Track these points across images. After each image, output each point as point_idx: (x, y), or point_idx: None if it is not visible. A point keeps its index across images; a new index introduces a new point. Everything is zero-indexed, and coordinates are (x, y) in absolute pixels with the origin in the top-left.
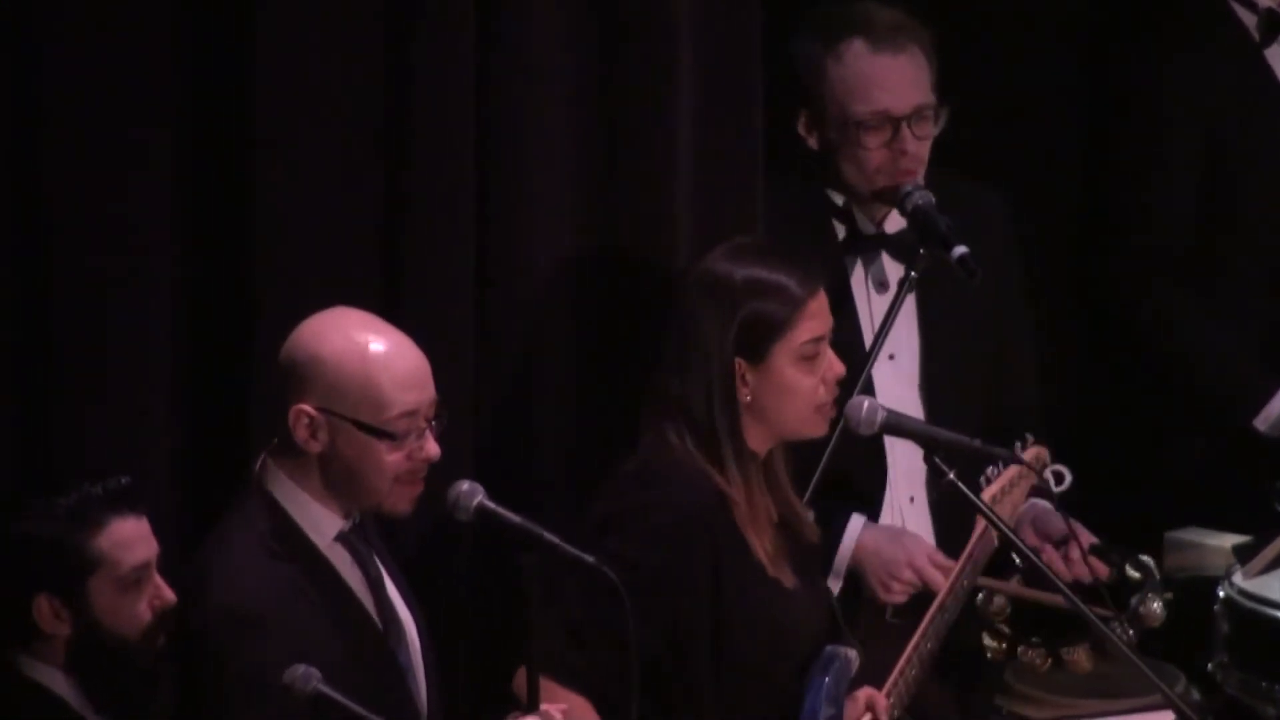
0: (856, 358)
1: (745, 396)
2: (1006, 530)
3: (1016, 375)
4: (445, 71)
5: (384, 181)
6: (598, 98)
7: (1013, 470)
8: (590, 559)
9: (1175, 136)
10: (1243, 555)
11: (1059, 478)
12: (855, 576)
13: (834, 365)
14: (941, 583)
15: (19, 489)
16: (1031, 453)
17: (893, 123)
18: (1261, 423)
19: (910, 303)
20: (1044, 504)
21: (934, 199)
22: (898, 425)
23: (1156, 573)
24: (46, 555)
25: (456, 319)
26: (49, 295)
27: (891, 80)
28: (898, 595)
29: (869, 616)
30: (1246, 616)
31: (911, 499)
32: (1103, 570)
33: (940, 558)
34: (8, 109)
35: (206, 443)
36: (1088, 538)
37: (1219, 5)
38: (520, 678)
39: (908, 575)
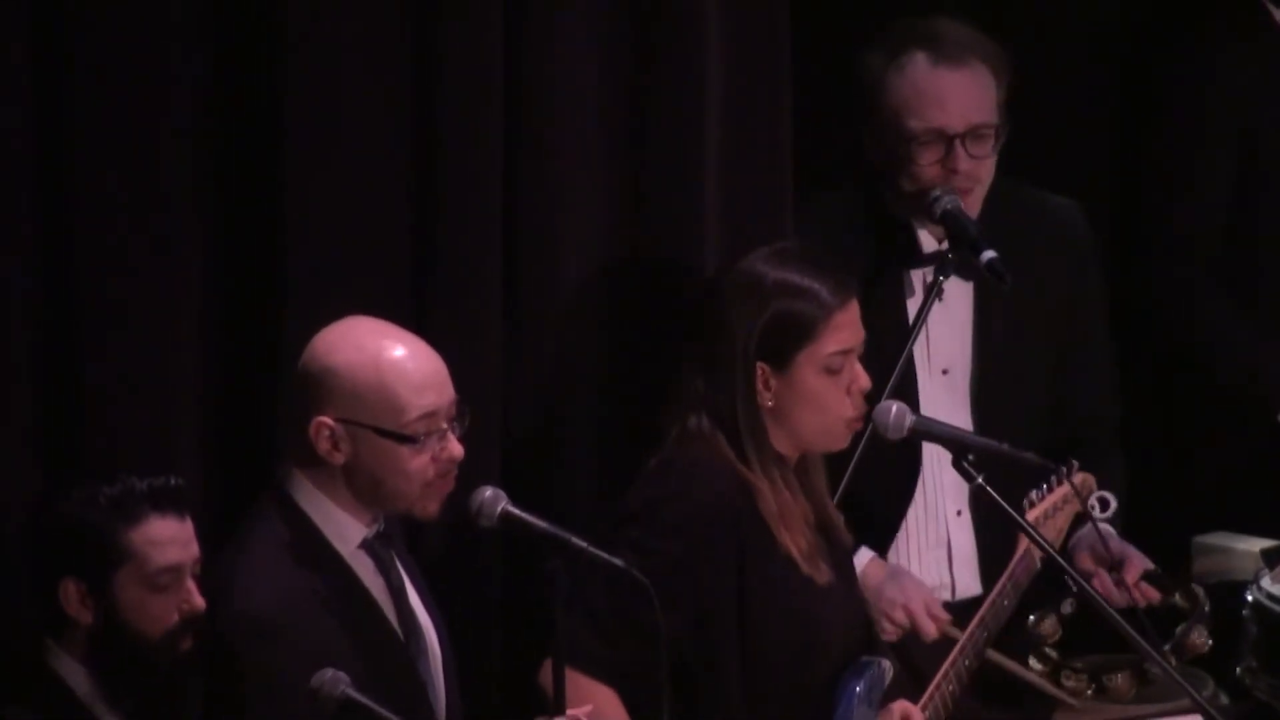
0: (910, 371)
1: (768, 401)
2: (1037, 537)
3: (1088, 387)
4: (473, 74)
5: (413, 187)
6: (625, 100)
7: (1058, 494)
8: (619, 562)
9: (1211, 138)
10: (1271, 559)
11: (1104, 504)
12: None
13: (860, 379)
14: (933, 633)
15: (45, 491)
16: (1076, 479)
17: (946, 140)
18: None
19: (965, 316)
20: (1105, 528)
21: (962, 203)
22: (927, 430)
23: (1206, 604)
24: (78, 539)
25: (485, 323)
26: (75, 300)
27: (948, 96)
28: (889, 635)
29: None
30: (1275, 621)
31: (959, 512)
32: (1154, 595)
33: (938, 609)
34: (36, 110)
35: (233, 447)
36: (1144, 563)
37: (1256, 9)
38: (546, 671)
39: (899, 617)
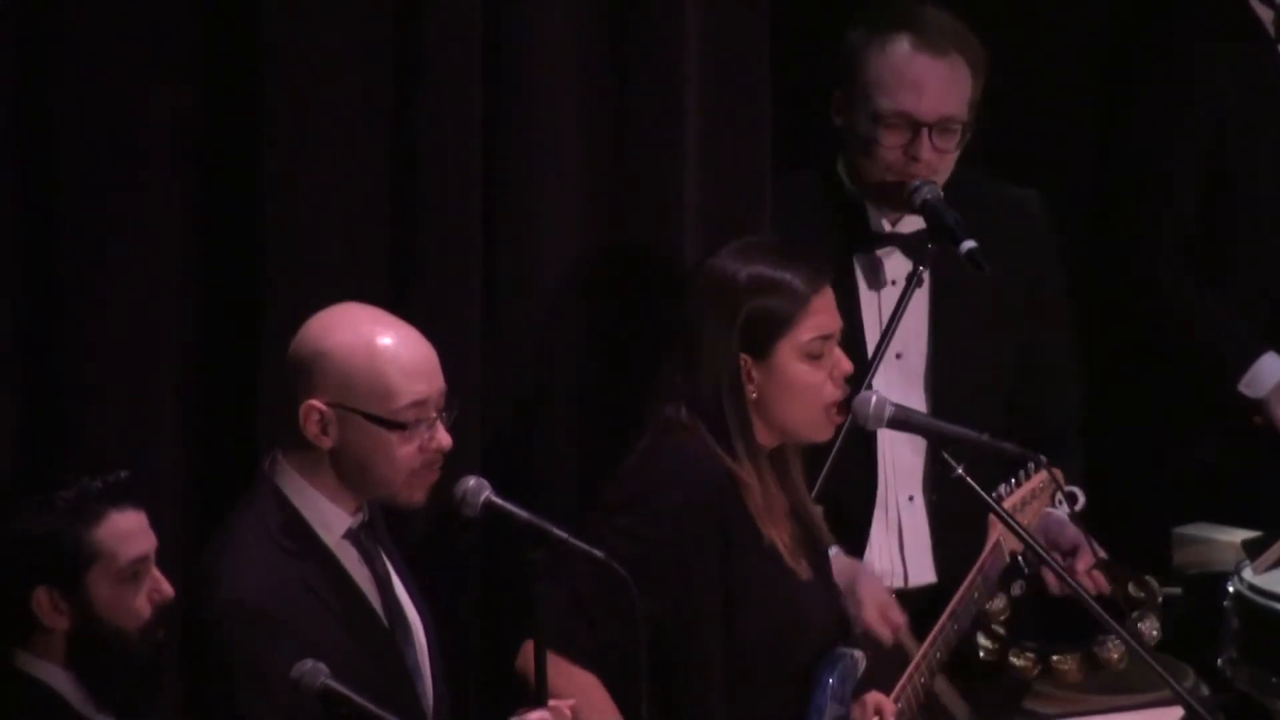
0: (860, 355)
1: (752, 393)
2: (1016, 526)
3: (1050, 377)
4: (452, 70)
5: (391, 180)
6: (604, 94)
7: (1029, 485)
8: (599, 554)
9: (1186, 125)
10: (1252, 550)
11: (1072, 499)
12: None
13: (841, 363)
14: (888, 639)
15: (24, 484)
16: (1044, 474)
17: (913, 126)
18: (1245, 386)
19: (922, 301)
20: (1058, 514)
21: (942, 194)
22: (906, 420)
23: (1159, 595)
24: (46, 548)
25: (464, 315)
26: (57, 292)
27: (924, 83)
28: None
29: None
30: (1256, 612)
31: (910, 498)
32: (1104, 585)
33: (894, 614)
34: (18, 107)
35: (214, 438)
36: (1097, 552)
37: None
38: (524, 655)
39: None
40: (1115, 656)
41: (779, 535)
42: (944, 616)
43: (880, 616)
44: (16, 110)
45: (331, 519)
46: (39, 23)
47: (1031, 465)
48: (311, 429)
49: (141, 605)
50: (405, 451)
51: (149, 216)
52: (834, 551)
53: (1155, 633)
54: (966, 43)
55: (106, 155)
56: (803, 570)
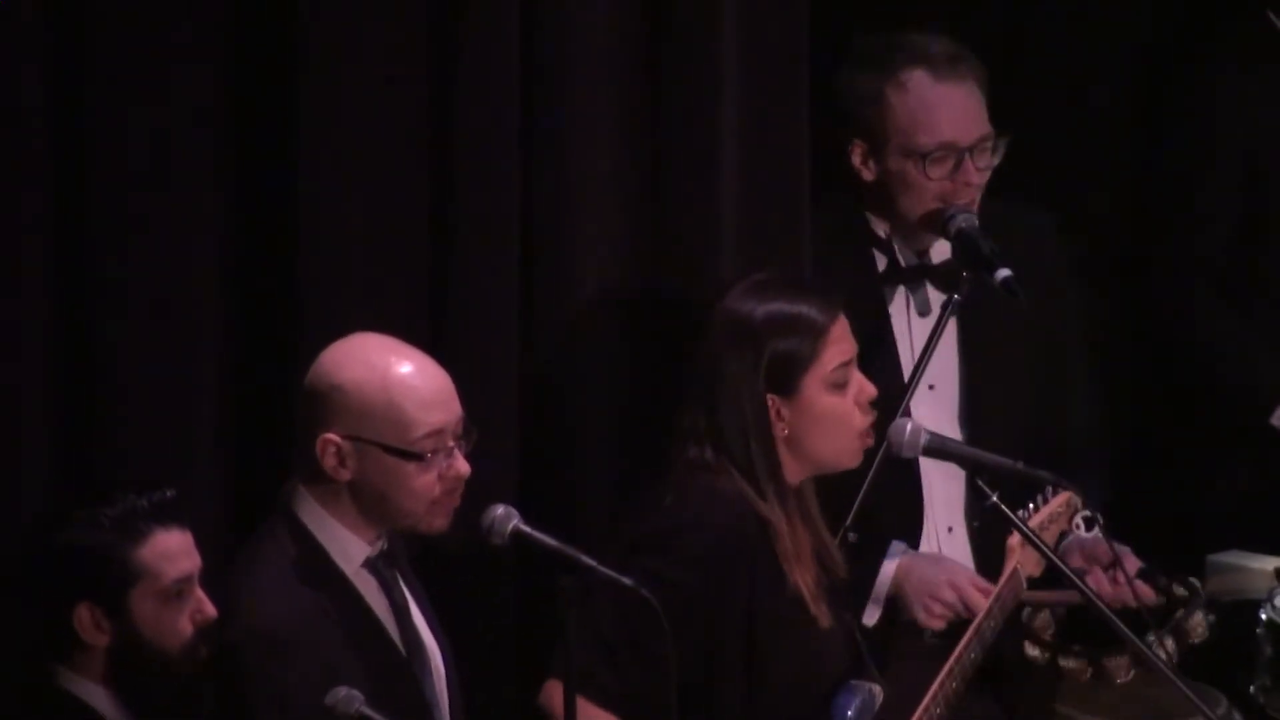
0: (896, 386)
1: (783, 431)
2: (1048, 551)
3: (1071, 401)
4: (490, 93)
5: (429, 204)
6: (643, 118)
7: (1049, 509)
8: (628, 581)
9: (1220, 152)
10: None
11: (1091, 522)
12: (892, 605)
13: (865, 387)
14: (983, 604)
15: (64, 502)
16: (1063, 497)
17: (957, 154)
18: (1277, 420)
19: (951, 331)
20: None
21: (977, 222)
22: (941, 448)
23: (1202, 592)
24: (90, 564)
25: (502, 339)
26: (95, 309)
27: (956, 111)
28: (938, 619)
29: (901, 650)
30: None
31: (950, 529)
32: (1148, 593)
33: (981, 581)
34: (54, 121)
35: (251, 459)
36: (1135, 563)
37: (1264, 28)
38: (547, 692)
39: (949, 595)
40: (1119, 672)
41: (805, 580)
42: (960, 647)
43: (925, 610)
44: (52, 124)
45: (350, 549)
46: (77, 28)
47: (1050, 488)
48: (329, 461)
49: (184, 625)
50: (424, 481)
51: (187, 233)
52: (902, 549)
53: (1204, 625)
54: (971, 61)
55: (139, 178)
56: (824, 617)
